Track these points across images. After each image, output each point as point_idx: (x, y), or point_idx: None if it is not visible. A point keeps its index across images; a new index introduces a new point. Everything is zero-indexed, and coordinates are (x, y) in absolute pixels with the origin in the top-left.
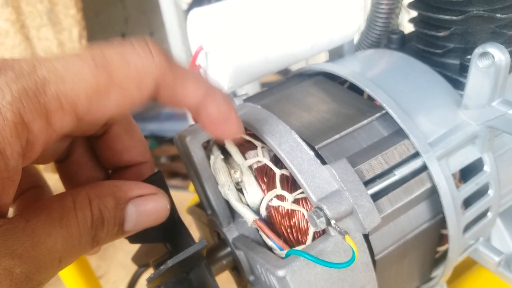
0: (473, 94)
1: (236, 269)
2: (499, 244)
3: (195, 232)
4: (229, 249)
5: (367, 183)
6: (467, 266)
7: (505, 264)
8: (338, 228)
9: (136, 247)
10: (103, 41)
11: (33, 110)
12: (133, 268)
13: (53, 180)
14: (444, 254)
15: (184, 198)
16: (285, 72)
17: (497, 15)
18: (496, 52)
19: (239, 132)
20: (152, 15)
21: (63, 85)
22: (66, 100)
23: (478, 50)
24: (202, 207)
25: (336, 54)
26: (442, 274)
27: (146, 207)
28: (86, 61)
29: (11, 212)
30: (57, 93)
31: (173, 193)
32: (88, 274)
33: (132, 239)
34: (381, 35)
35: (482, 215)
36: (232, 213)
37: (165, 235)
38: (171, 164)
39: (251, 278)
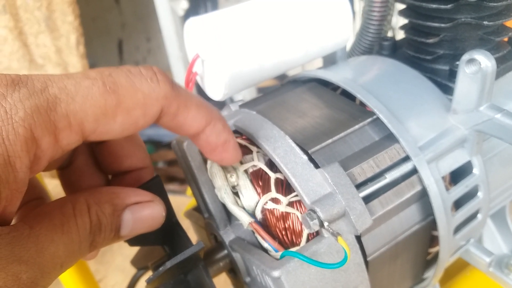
0: (461, 99)
1: (233, 271)
2: (491, 245)
3: (192, 235)
4: (226, 251)
5: (359, 186)
6: (460, 267)
7: (496, 265)
8: (331, 230)
9: (133, 251)
10: (100, 46)
11: (43, 127)
12: (131, 272)
13: (51, 185)
14: (436, 255)
15: (182, 202)
16: (282, 77)
17: (484, 22)
18: (483, 58)
19: (236, 159)
20: (148, 21)
21: (73, 104)
22: (75, 119)
23: (465, 57)
24: (199, 211)
25: (329, 60)
26: (433, 274)
27: (142, 214)
28: (96, 82)
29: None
30: (67, 112)
31: (170, 197)
32: (88, 278)
33: (132, 241)
34: (374, 42)
35: (472, 216)
36: (229, 216)
37: (164, 238)
38: (168, 169)
39: (248, 279)
